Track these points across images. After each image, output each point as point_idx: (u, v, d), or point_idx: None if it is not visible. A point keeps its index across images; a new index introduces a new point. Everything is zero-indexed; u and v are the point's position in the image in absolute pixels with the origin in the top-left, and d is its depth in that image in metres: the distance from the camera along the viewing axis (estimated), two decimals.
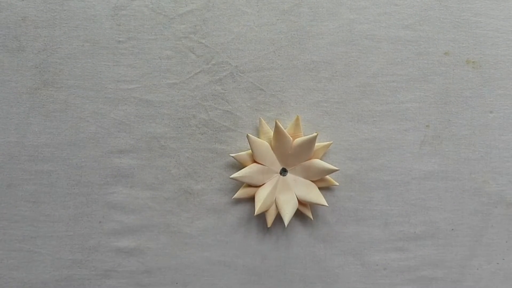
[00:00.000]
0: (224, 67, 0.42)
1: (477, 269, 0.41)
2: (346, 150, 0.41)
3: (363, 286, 0.41)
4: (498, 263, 0.41)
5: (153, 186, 0.41)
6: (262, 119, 0.41)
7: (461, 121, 0.42)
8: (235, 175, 0.39)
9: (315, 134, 0.39)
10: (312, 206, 0.41)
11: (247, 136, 0.39)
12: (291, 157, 0.40)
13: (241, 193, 0.40)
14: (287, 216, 0.39)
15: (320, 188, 0.40)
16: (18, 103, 0.41)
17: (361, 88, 0.42)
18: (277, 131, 0.39)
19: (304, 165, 0.40)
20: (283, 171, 0.41)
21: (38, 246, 0.40)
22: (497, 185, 0.42)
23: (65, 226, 0.41)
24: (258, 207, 0.39)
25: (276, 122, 0.39)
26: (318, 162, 0.40)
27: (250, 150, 0.40)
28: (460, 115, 0.42)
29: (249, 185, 0.40)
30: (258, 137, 0.41)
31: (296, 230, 0.41)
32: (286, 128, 0.41)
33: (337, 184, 0.41)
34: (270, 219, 0.40)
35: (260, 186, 0.40)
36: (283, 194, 0.40)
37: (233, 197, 0.40)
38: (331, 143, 0.41)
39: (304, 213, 0.40)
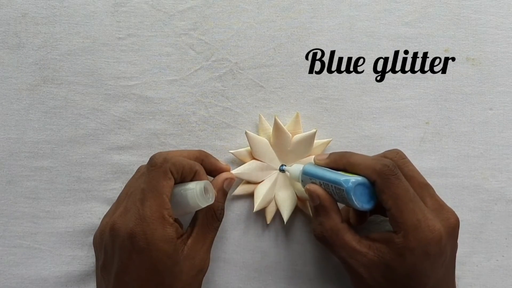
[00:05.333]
0: (224, 64, 0.42)
1: (477, 266, 0.41)
2: (346, 147, 0.41)
3: None
4: (497, 260, 0.41)
5: None
6: (261, 116, 0.41)
7: (461, 118, 0.42)
8: (234, 171, 0.39)
9: (314, 130, 0.39)
10: None
11: (246, 133, 0.39)
12: (290, 153, 0.40)
13: (240, 189, 0.40)
14: (286, 213, 0.39)
15: None
16: (18, 99, 0.41)
17: (361, 85, 0.42)
18: (276, 127, 0.39)
19: (304, 162, 0.40)
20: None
21: (38, 242, 0.40)
22: (496, 182, 0.42)
23: (65, 222, 0.41)
24: (257, 203, 0.39)
25: (275, 119, 0.39)
26: None
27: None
28: (460, 112, 0.42)
29: (248, 182, 0.40)
30: (258, 134, 0.41)
31: (295, 226, 0.41)
32: (286, 125, 0.41)
33: None
34: (269, 215, 0.40)
35: (259, 182, 0.40)
36: (282, 191, 0.40)
37: (232, 193, 0.40)
38: (331, 140, 0.41)
39: (303, 210, 0.40)
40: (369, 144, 0.42)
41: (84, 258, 0.40)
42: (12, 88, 0.41)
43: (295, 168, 0.38)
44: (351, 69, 0.42)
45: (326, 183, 0.34)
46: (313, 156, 0.40)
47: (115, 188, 0.41)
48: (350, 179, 0.33)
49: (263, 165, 0.40)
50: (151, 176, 0.32)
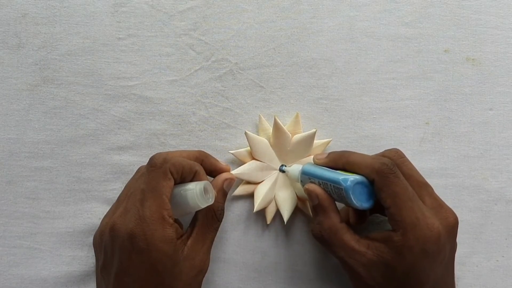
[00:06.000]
0: (224, 64, 0.42)
1: (477, 266, 0.41)
2: (346, 147, 0.41)
3: None
4: (497, 260, 0.41)
5: None
6: (261, 116, 0.41)
7: (460, 119, 0.42)
8: (234, 172, 0.39)
9: (313, 130, 0.39)
10: None
11: (245, 134, 0.39)
12: (290, 153, 0.40)
13: (241, 190, 0.40)
14: (286, 213, 0.39)
15: None
16: (18, 100, 0.41)
17: (361, 85, 0.42)
18: (276, 127, 0.39)
19: (304, 162, 0.40)
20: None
21: (38, 243, 0.40)
22: (496, 182, 0.42)
23: (65, 222, 0.41)
24: (258, 204, 0.39)
25: (274, 118, 0.39)
26: None
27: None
28: (459, 113, 0.42)
29: (248, 182, 0.40)
30: (258, 134, 0.41)
31: (295, 227, 0.41)
32: (286, 125, 0.41)
33: None
34: (269, 216, 0.40)
35: (259, 183, 0.40)
36: (283, 190, 0.40)
37: (233, 194, 0.40)
38: (331, 140, 0.41)
39: (303, 210, 0.40)
40: (369, 144, 0.42)
41: (84, 259, 0.40)
42: (12, 88, 0.41)
43: (294, 168, 0.38)
44: (351, 69, 0.42)
45: (325, 183, 0.34)
46: (312, 156, 0.40)
47: (115, 189, 0.41)
48: (349, 178, 0.33)
49: (263, 165, 0.40)
50: (151, 177, 0.32)
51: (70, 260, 0.40)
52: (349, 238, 0.33)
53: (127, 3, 0.42)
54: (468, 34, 0.43)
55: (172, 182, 0.33)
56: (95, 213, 0.41)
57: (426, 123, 0.42)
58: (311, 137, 0.39)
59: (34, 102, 0.41)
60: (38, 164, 0.41)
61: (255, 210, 0.39)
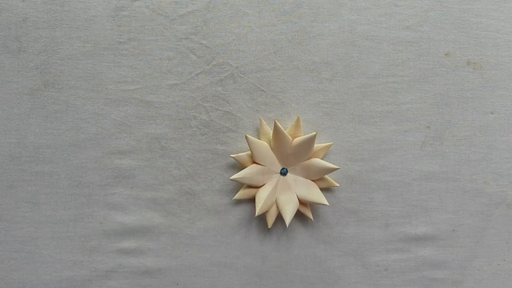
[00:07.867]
0: (224, 68, 0.42)
1: (478, 270, 0.41)
2: (347, 151, 0.41)
3: (364, 287, 0.41)
4: (499, 264, 0.41)
5: (153, 187, 0.41)
6: (262, 120, 0.41)
7: (462, 122, 0.42)
8: (235, 176, 0.39)
9: (314, 133, 0.39)
10: (313, 206, 0.41)
11: (246, 137, 0.39)
12: (291, 157, 0.40)
13: (242, 194, 0.40)
14: (288, 216, 0.39)
15: (320, 189, 0.40)
16: (18, 104, 0.41)
17: (362, 89, 0.42)
18: (276, 131, 0.39)
19: (304, 165, 0.40)
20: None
21: (39, 247, 0.40)
22: (498, 186, 0.42)
23: (66, 227, 0.41)
24: (259, 208, 0.39)
25: (275, 122, 0.39)
26: (318, 161, 0.40)
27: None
28: (461, 116, 0.42)
29: (249, 186, 0.40)
30: (259, 138, 0.41)
31: (296, 231, 0.41)
32: (287, 129, 0.41)
33: (338, 185, 0.41)
34: (270, 219, 0.40)
35: (260, 186, 0.40)
36: (284, 194, 0.40)
37: (234, 198, 0.40)
38: (332, 144, 0.41)
39: (305, 213, 0.40)
40: (370, 148, 0.42)
41: (85, 263, 0.40)
42: (13, 93, 0.41)
43: None
44: (352, 73, 0.42)
45: None
46: (314, 159, 0.40)
47: (116, 193, 0.41)
48: None
49: (264, 169, 0.40)
50: None
51: (71, 265, 0.40)
52: None
53: (128, 7, 0.42)
54: (469, 38, 0.43)
55: None
56: (96, 217, 0.41)
57: (427, 126, 0.42)
58: (312, 139, 0.39)
59: (34, 106, 0.41)
60: (39, 169, 0.41)
61: (256, 214, 0.39)
